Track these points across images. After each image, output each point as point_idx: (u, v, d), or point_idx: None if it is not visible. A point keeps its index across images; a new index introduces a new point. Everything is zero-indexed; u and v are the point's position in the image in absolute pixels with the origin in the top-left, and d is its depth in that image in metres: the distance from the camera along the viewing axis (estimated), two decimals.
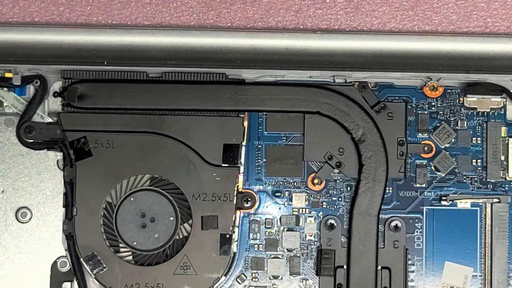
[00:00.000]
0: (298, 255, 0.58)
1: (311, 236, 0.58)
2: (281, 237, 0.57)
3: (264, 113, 0.58)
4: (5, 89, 0.57)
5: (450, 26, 0.59)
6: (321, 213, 0.58)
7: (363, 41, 0.56)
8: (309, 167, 0.58)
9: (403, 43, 0.56)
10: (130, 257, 0.57)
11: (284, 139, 0.58)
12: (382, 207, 0.57)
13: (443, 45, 0.56)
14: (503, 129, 0.58)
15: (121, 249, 0.57)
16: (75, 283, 0.57)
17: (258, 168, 0.58)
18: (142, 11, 0.59)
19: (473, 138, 0.58)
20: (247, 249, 0.58)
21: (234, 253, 0.57)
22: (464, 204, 0.58)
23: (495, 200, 0.57)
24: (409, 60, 0.56)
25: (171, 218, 0.57)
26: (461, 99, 0.58)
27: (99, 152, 0.56)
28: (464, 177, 0.58)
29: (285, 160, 0.58)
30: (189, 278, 0.56)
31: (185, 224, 0.57)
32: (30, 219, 0.57)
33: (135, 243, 0.57)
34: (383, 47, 0.56)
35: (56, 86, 0.57)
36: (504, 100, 0.58)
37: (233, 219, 0.57)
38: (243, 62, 0.56)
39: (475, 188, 0.58)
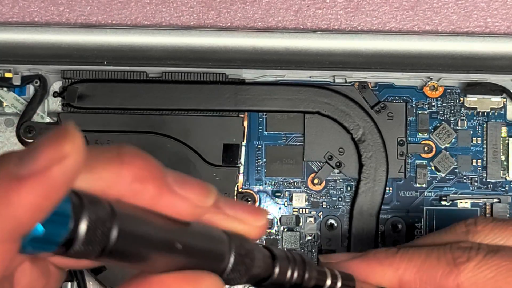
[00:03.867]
0: None
1: (311, 236, 0.58)
2: (281, 237, 0.57)
3: (264, 113, 0.58)
4: (5, 89, 0.57)
5: (450, 26, 0.59)
6: (321, 213, 0.58)
7: (363, 41, 0.56)
8: (309, 167, 0.58)
9: (403, 43, 0.56)
10: None
11: (284, 139, 0.58)
12: (382, 207, 0.57)
13: (443, 45, 0.56)
14: (503, 129, 0.58)
15: None
16: (75, 283, 0.57)
17: (258, 168, 0.58)
18: (142, 11, 0.59)
19: (473, 138, 0.58)
20: None
21: None
22: (464, 204, 0.58)
23: (495, 200, 0.57)
24: (409, 60, 0.56)
25: None
26: (461, 99, 0.58)
27: None
28: (464, 177, 0.58)
29: (285, 160, 0.58)
30: None
31: None
32: None
33: None
34: (383, 47, 0.56)
35: (56, 86, 0.57)
36: (504, 100, 0.58)
37: None
38: (243, 62, 0.56)
39: (475, 188, 0.58)
